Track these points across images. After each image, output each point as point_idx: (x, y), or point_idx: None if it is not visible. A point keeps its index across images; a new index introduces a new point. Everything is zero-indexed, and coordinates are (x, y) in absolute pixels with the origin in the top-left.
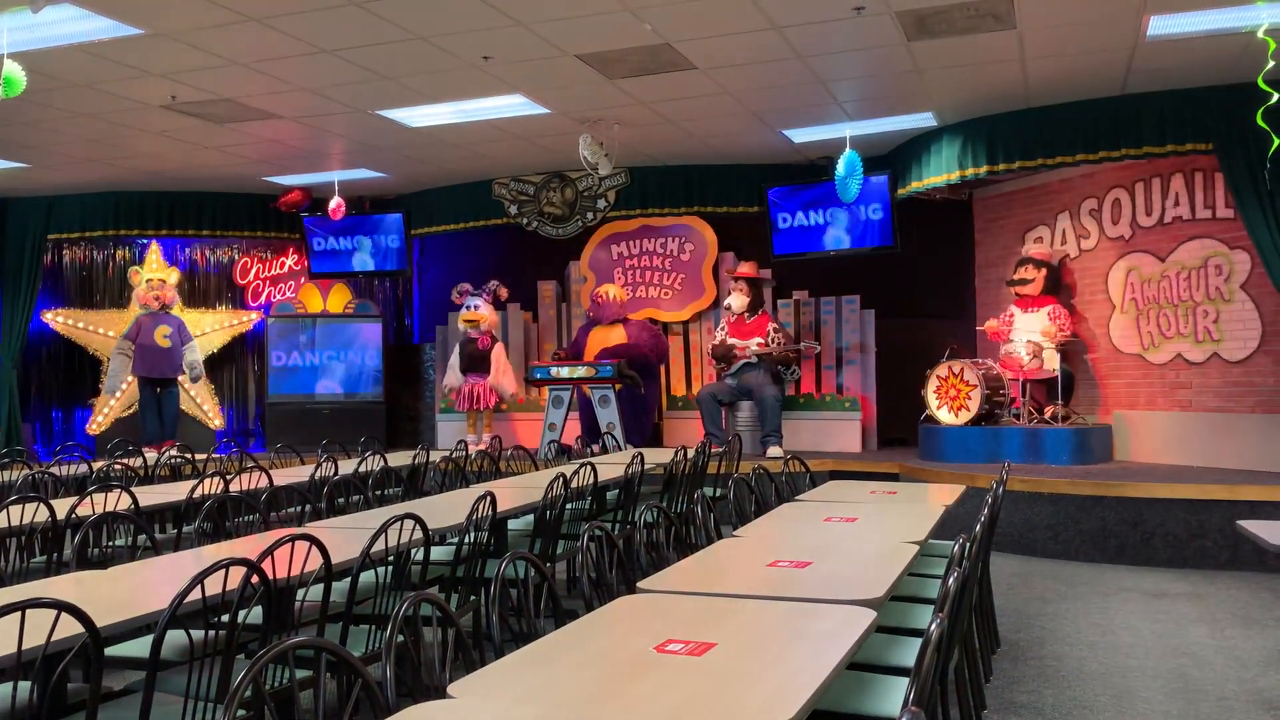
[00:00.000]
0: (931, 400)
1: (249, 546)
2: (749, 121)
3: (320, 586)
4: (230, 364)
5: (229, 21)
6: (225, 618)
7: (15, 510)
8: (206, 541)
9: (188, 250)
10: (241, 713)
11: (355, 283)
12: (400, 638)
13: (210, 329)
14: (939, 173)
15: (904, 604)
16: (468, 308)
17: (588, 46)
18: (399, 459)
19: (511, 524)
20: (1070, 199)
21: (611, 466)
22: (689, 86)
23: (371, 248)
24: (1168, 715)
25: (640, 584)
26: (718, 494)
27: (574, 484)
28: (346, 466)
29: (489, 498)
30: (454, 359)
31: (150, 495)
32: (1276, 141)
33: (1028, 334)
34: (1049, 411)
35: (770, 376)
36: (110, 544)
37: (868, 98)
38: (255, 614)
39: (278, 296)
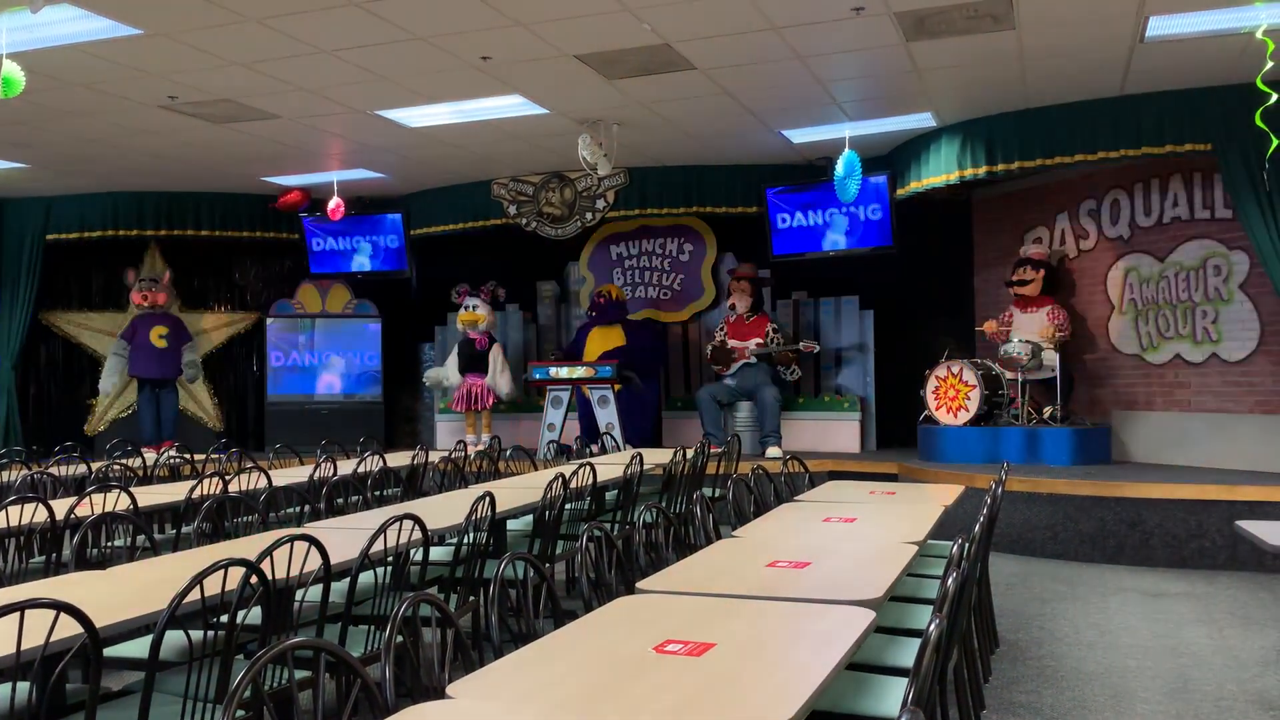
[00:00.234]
0: (930, 400)
1: (248, 547)
2: (748, 122)
3: (319, 587)
4: (229, 364)
5: (229, 21)
6: (224, 618)
7: (14, 510)
8: (205, 542)
9: (187, 250)
10: (240, 713)
11: (354, 283)
12: (399, 638)
13: (209, 329)
14: (938, 173)
15: (903, 604)
16: (465, 308)
17: (587, 47)
18: (398, 459)
19: (510, 524)
20: (1069, 199)
21: (610, 467)
22: (688, 87)
23: (371, 248)
24: (1166, 715)
25: (639, 584)
26: (717, 494)
27: (573, 484)
28: (345, 467)
29: (488, 498)
30: (452, 358)
31: (149, 496)
32: (1275, 142)
33: (1027, 334)
34: (1048, 412)
35: (769, 377)
36: (109, 544)
37: (867, 98)
38: (254, 614)
39: (277, 296)
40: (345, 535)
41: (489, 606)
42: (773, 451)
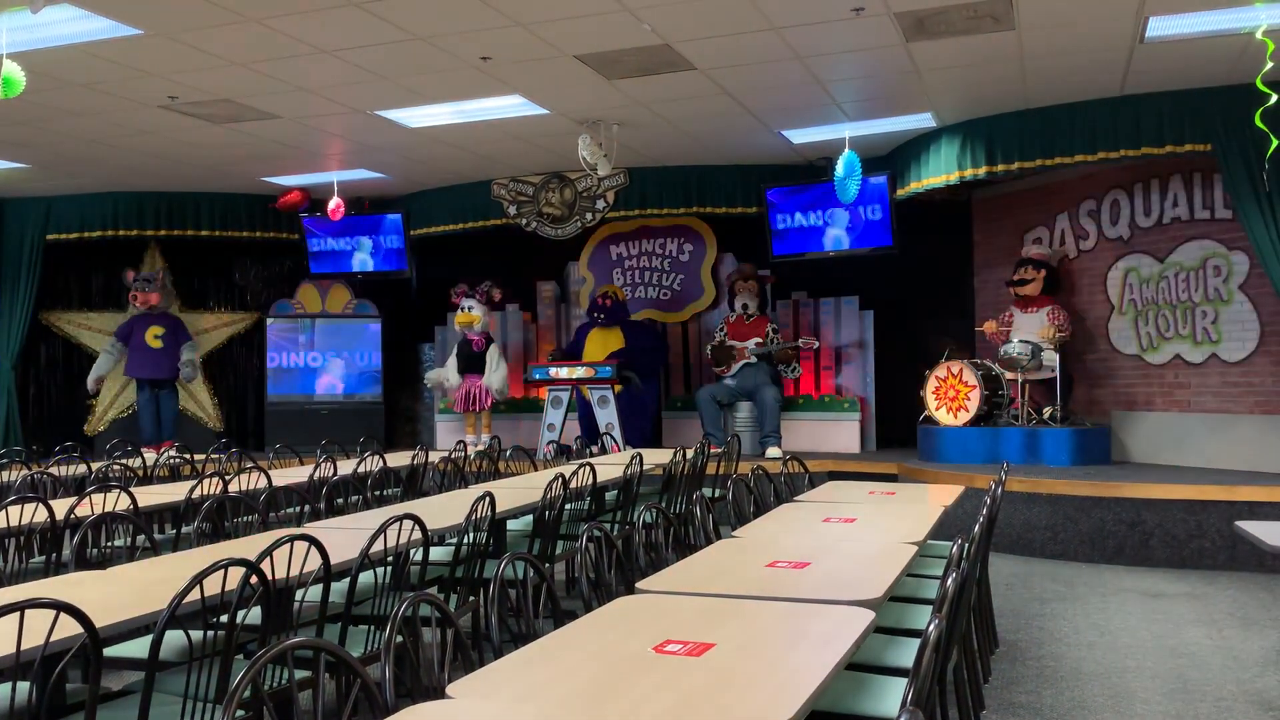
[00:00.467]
0: (930, 401)
1: (248, 547)
2: (748, 122)
3: (319, 587)
4: (229, 364)
5: (229, 21)
6: (224, 618)
7: (14, 510)
8: (205, 542)
9: (187, 250)
10: (240, 713)
11: (354, 283)
12: (399, 638)
13: (209, 329)
14: (938, 173)
15: (902, 604)
16: (462, 309)
17: (587, 47)
18: (398, 459)
19: (510, 524)
20: (1069, 200)
21: (610, 467)
22: (688, 87)
23: (371, 248)
24: (1166, 716)
25: (639, 584)
26: (716, 494)
27: (573, 484)
28: (345, 467)
29: (488, 498)
30: (452, 359)
31: (149, 496)
32: (1275, 142)
33: (1027, 335)
34: (1048, 412)
35: (769, 377)
36: (109, 544)
37: (867, 98)
38: (254, 614)
39: (277, 296)
40: (345, 535)
41: (489, 606)
42: (773, 451)
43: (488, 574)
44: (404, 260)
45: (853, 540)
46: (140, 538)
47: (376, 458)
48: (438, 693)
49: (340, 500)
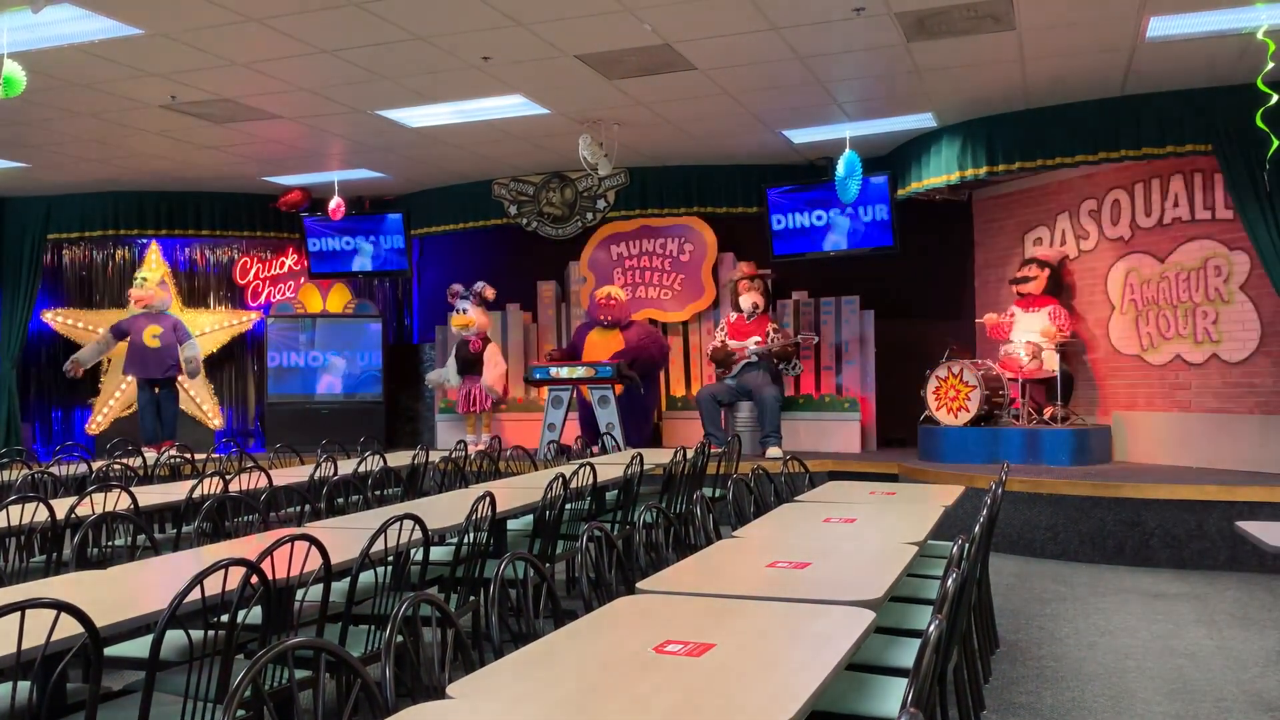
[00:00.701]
0: (931, 401)
1: (248, 547)
2: (749, 122)
3: (320, 587)
4: (230, 364)
5: (229, 21)
6: (224, 618)
7: (15, 510)
8: (206, 541)
9: (187, 250)
10: (241, 713)
11: (355, 283)
12: (399, 638)
13: (209, 329)
14: (939, 173)
15: (903, 605)
16: (457, 311)
17: (588, 47)
18: (398, 459)
19: (511, 524)
20: (1070, 200)
21: (611, 467)
22: (689, 87)
23: (371, 248)
24: (1166, 716)
25: (639, 584)
26: (717, 494)
27: (573, 484)
28: (346, 467)
29: (488, 498)
30: (450, 360)
31: (150, 495)
32: (1276, 143)
33: (1028, 334)
34: (1048, 412)
35: (770, 377)
36: (110, 544)
37: (867, 98)
38: (255, 614)
39: (277, 296)
40: (345, 535)
41: (489, 606)
42: (773, 451)
43: (488, 574)
44: (404, 260)
45: (853, 540)
46: (141, 537)
47: (377, 457)
48: (438, 693)
49: (341, 500)
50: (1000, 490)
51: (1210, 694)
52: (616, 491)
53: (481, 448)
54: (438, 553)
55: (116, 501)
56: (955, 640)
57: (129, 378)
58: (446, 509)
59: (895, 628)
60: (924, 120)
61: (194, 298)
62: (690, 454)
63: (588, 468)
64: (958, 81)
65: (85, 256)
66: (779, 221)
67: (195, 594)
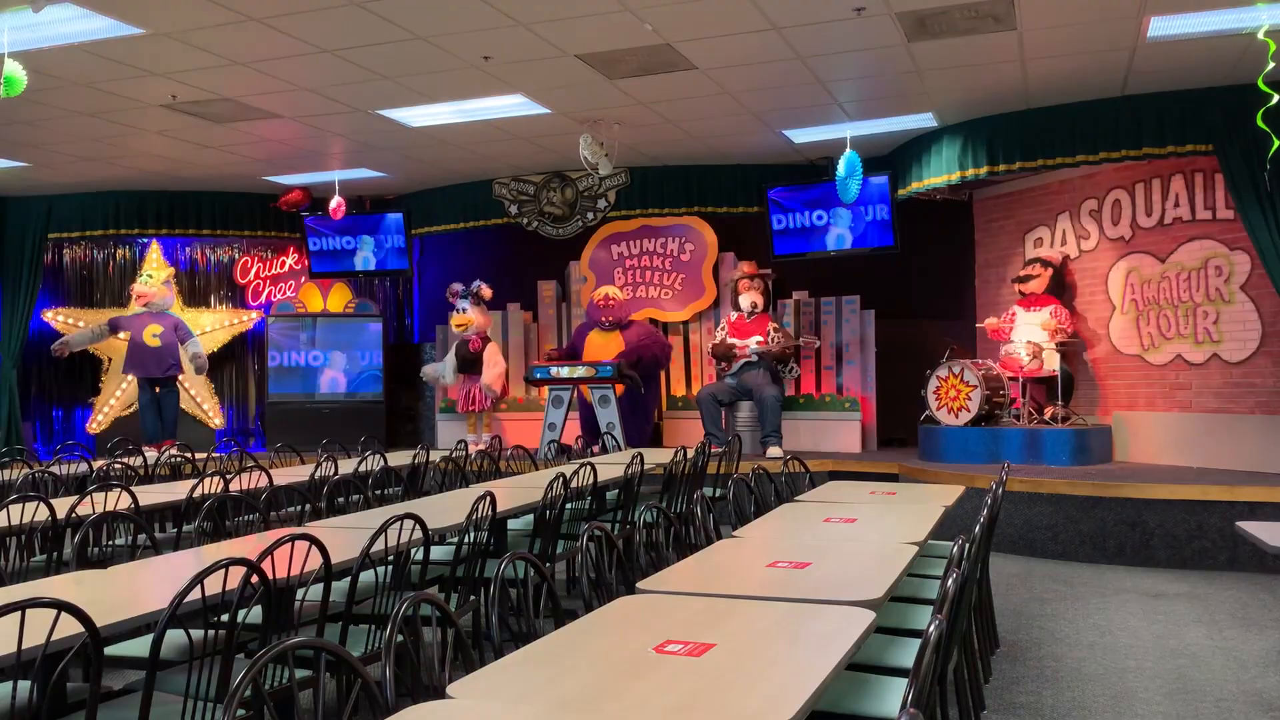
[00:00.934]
0: (931, 400)
1: (249, 546)
2: (749, 122)
3: (320, 586)
4: (230, 363)
5: (229, 21)
6: (225, 617)
7: (15, 509)
8: (206, 541)
9: (188, 250)
10: (241, 712)
11: (355, 282)
12: (400, 638)
13: (210, 328)
14: (939, 173)
15: (903, 605)
16: (457, 310)
17: (588, 46)
18: (399, 459)
19: (511, 524)
20: (1070, 200)
21: (611, 467)
22: (689, 86)
23: (372, 247)
24: (1166, 716)
25: (639, 584)
26: (717, 494)
27: (574, 484)
28: (346, 466)
29: (489, 498)
30: (450, 359)
31: (150, 495)
32: (1277, 143)
33: (1028, 334)
34: (1049, 412)
35: (770, 376)
36: (110, 543)
37: (868, 98)
38: (255, 614)
39: (278, 296)
40: (346, 535)
41: (489, 606)
42: (773, 451)
43: (488, 573)
44: (405, 259)
45: (853, 540)
46: (141, 537)
47: (377, 457)
48: (438, 692)
49: (341, 499)
50: (1001, 490)
51: (1210, 694)
52: (617, 491)
53: (482, 447)
54: (438, 552)
55: (117, 501)
56: (955, 640)
57: (129, 377)
58: (447, 508)
59: (895, 628)
60: (924, 120)
61: (195, 297)
62: (691, 454)
63: (588, 467)
64: (958, 81)
65: (86, 256)
66: (779, 221)
67: (196, 593)
